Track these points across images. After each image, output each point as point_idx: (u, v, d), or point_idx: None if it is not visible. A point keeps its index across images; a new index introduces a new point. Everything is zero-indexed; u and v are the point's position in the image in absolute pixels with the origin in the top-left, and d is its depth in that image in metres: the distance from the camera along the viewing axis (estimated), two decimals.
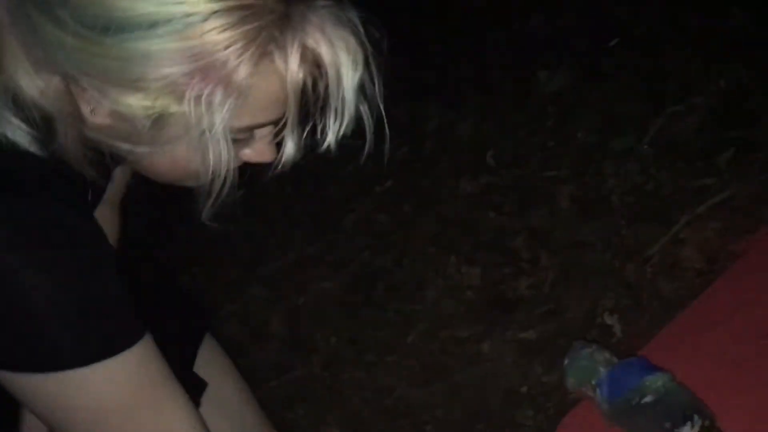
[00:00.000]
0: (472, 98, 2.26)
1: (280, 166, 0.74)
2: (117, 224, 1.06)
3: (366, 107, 0.72)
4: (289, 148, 0.72)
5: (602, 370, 1.26)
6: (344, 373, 1.88)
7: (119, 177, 0.96)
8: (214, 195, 0.71)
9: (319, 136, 0.72)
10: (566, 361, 1.37)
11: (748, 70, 1.80)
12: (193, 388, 1.09)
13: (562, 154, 1.97)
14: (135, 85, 0.66)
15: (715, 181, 1.64)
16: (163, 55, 0.65)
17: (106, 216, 1.00)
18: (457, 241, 1.96)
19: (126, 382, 0.77)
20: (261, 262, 2.30)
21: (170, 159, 0.72)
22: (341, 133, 0.71)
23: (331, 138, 0.71)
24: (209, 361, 1.16)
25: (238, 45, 0.65)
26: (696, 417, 1.11)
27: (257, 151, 0.75)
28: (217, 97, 0.66)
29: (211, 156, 0.69)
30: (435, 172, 2.18)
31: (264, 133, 0.75)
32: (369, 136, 0.73)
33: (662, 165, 1.76)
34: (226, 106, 0.67)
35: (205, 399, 1.12)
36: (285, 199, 2.38)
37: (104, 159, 0.74)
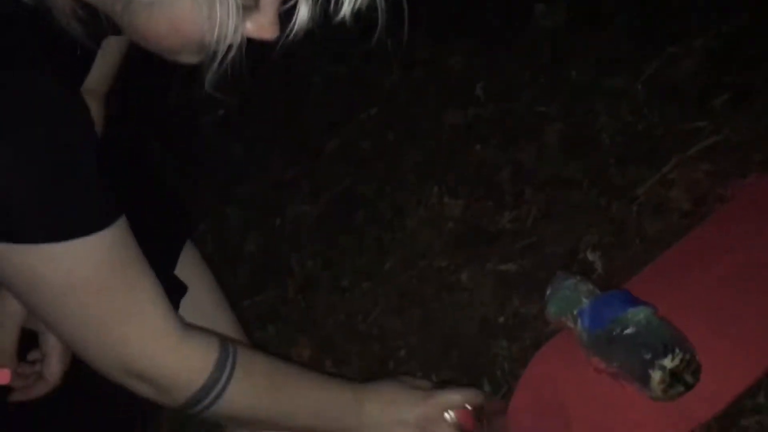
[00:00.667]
0: (465, 29, 2.22)
1: (291, 35, 0.69)
2: (101, 117, 1.02)
3: None
4: (303, 14, 0.68)
5: (585, 301, 1.26)
6: (318, 297, 1.86)
7: (108, 59, 0.92)
8: (217, 63, 0.67)
9: (332, 7, 0.68)
10: (548, 290, 1.37)
11: (750, 14, 1.77)
12: (173, 291, 1.07)
13: (554, 91, 1.94)
14: None
15: (708, 124, 1.62)
16: None
17: (91, 106, 0.96)
18: (440, 171, 1.94)
19: (98, 263, 0.76)
20: (238, 183, 2.26)
21: (170, 18, 0.67)
22: (357, 4, 0.68)
23: (347, 8, 0.68)
24: (190, 268, 1.15)
25: None
26: (677, 350, 1.12)
27: (259, 25, 0.71)
28: None
29: (218, 16, 0.64)
30: (422, 102, 2.14)
31: (269, 2, 0.70)
32: (381, 15, 0.70)
33: (655, 106, 1.74)
34: None
35: (183, 304, 1.11)
36: (266, 122, 2.34)
37: (96, 19, 0.70)
